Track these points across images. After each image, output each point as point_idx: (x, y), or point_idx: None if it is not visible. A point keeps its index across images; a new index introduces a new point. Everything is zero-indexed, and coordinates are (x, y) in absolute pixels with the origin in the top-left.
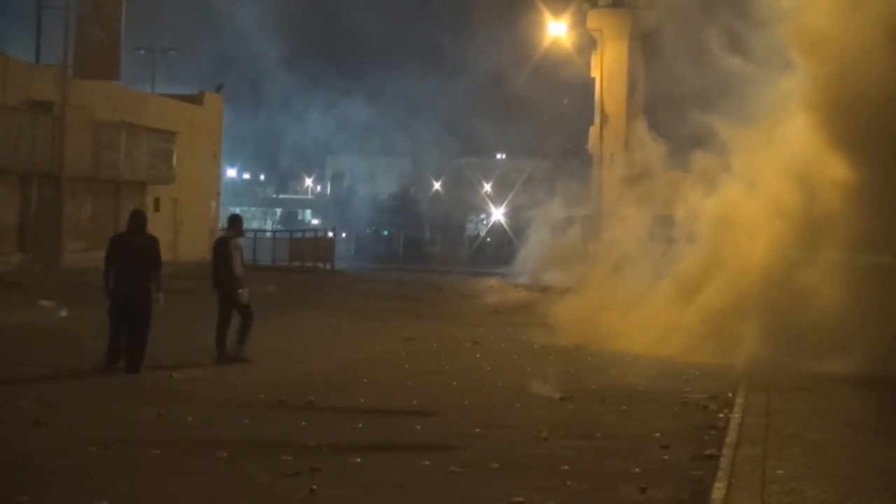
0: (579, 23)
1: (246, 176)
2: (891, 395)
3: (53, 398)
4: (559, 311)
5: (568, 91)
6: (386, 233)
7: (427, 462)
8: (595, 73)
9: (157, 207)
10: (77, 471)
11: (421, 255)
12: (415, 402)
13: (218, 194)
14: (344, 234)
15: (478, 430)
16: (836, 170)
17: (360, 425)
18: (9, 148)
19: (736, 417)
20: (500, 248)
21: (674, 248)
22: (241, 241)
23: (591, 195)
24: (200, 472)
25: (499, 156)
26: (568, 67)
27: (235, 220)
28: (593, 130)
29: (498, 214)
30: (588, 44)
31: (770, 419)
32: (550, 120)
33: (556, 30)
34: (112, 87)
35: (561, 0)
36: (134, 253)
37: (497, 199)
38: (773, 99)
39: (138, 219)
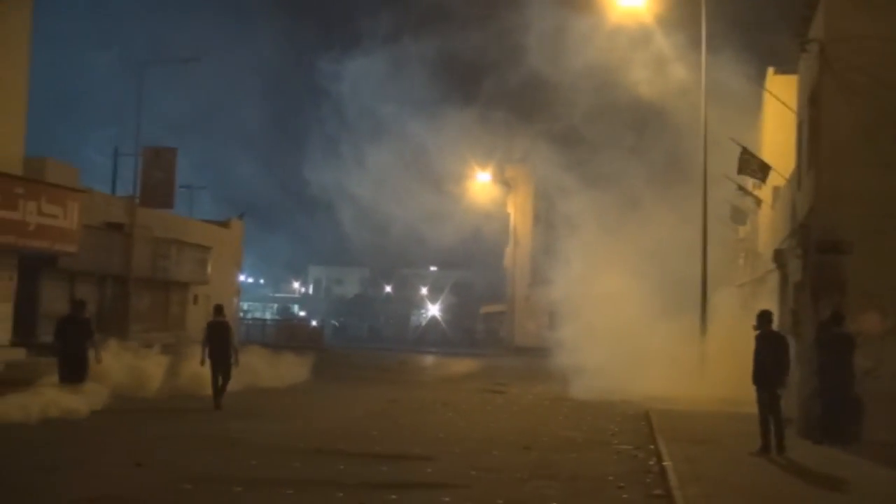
0: (499, 172)
1: (250, 280)
2: None
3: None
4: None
5: (490, 221)
6: (335, 322)
7: (447, 498)
8: (510, 209)
9: (195, 301)
10: None
11: (378, 338)
12: (417, 449)
13: (238, 292)
14: (315, 322)
15: (473, 472)
16: None
17: (384, 468)
18: (91, 256)
19: (669, 464)
20: (435, 334)
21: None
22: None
23: (506, 296)
24: None
25: (432, 268)
26: (490, 205)
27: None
28: (508, 250)
29: (433, 310)
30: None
31: (693, 465)
32: (473, 242)
33: (482, 178)
34: (166, 214)
35: (486, 154)
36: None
37: (432, 298)
38: None
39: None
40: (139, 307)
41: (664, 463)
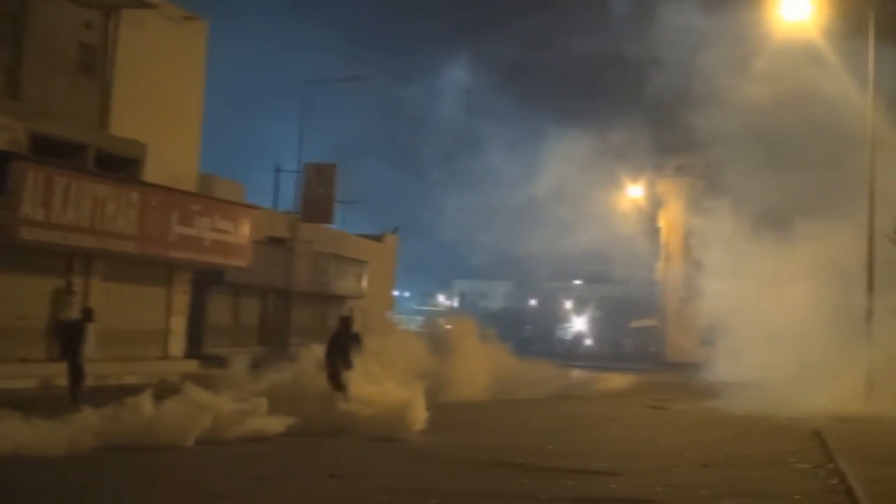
0: (650, 186)
1: (395, 293)
2: None
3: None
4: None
5: (638, 236)
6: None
7: None
8: (661, 223)
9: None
10: None
11: (526, 351)
12: (597, 464)
13: (392, 306)
14: None
15: (658, 488)
16: None
17: (570, 483)
18: (255, 270)
19: (856, 484)
20: (581, 348)
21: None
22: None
23: (657, 310)
24: None
25: (576, 282)
26: (639, 219)
27: None
28: (659, 265)
29: (579, 324)
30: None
31: (880, 485)
32: (619, 256)
33: (633, 192)
34: (325, 229)
35: (637, 169)
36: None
37: (577, 312)
38: None
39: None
40: (299, 320)
41: (850, 483)
